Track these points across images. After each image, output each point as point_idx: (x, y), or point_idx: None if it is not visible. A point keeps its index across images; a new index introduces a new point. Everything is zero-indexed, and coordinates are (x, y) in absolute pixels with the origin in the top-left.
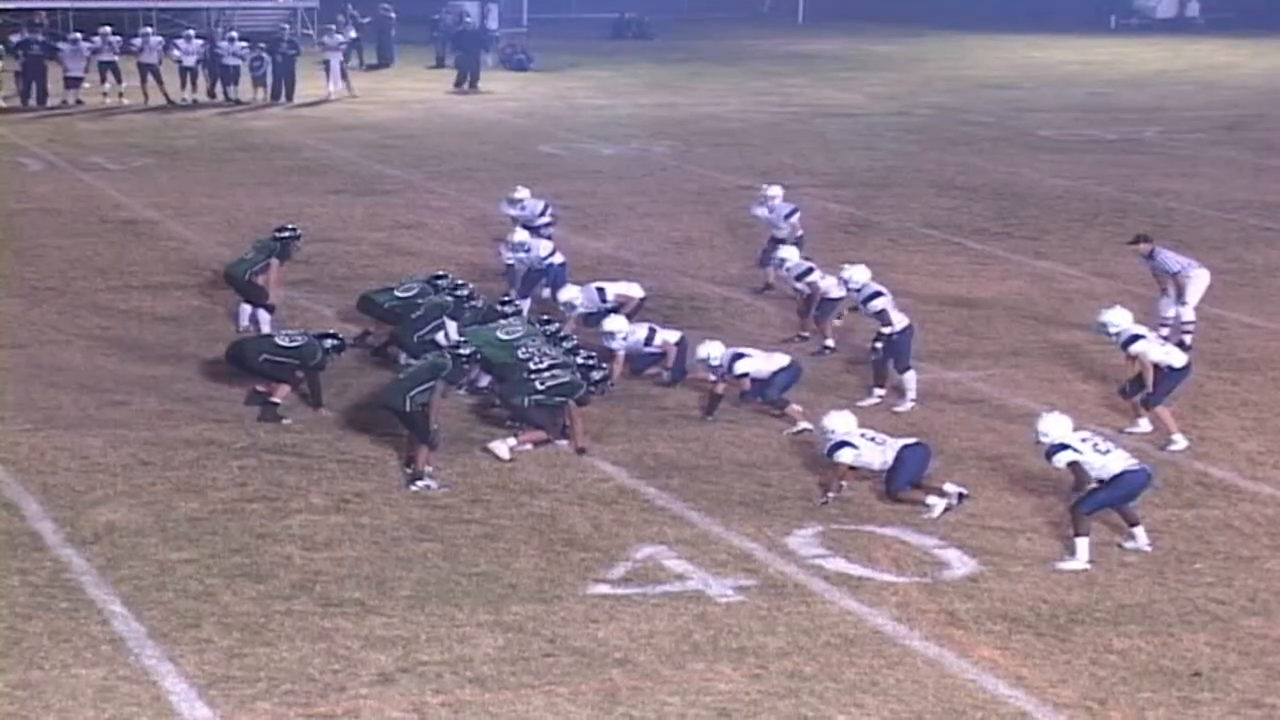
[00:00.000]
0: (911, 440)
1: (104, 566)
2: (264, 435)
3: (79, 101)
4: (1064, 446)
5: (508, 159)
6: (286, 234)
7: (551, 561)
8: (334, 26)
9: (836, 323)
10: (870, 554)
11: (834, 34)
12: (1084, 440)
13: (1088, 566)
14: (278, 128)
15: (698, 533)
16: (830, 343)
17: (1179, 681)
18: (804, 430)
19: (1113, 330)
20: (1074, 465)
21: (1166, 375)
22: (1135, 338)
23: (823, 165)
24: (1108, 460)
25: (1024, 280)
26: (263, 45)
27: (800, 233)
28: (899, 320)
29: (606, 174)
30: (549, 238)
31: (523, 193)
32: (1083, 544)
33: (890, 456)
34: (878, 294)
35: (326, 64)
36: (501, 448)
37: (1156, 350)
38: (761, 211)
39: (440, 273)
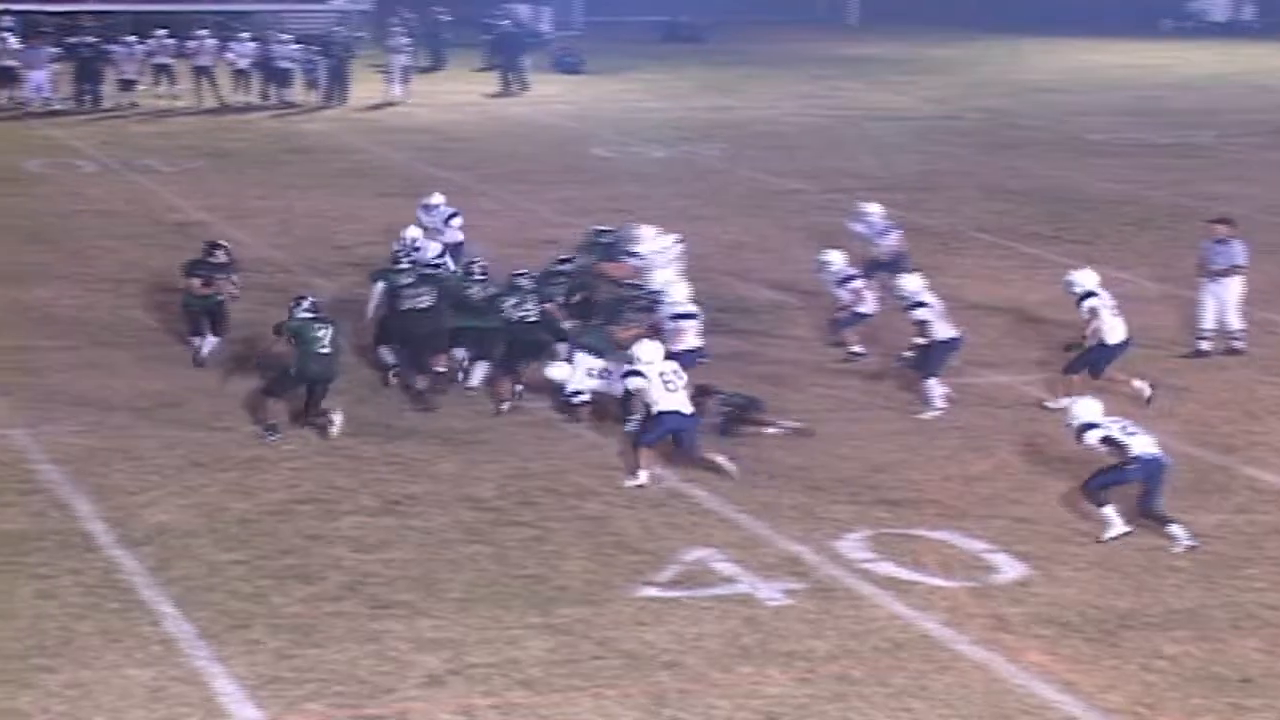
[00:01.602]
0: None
1: (155, 567)
2: (315, 437)
3: (133, 104)
4: (1093, 425)
5: (559, 161)
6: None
7: (601, 564)
8: (398, 30)
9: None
10: (919, 558)
11: (886, 37)
12: (1113, 422)
13: (1128, 529)
14: (330, 130)
15: (747, 536)
16: (858, 349)
17: (1229, 687)
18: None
19: (1076, 289)
20: (1107, 440)
21: (1098, 348)
22: (1090, 294)
23: (874, 168)
24: (1132, 442)
25: None
26: (316, 48)
27: (900, 249)
28: (944, 331)
29: (657, 177)
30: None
31: (437, 199)
32: (1108, 512)
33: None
34: (921, 304)
35: (389, 67)
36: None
37: (1106, 316)
38: (859, 228)
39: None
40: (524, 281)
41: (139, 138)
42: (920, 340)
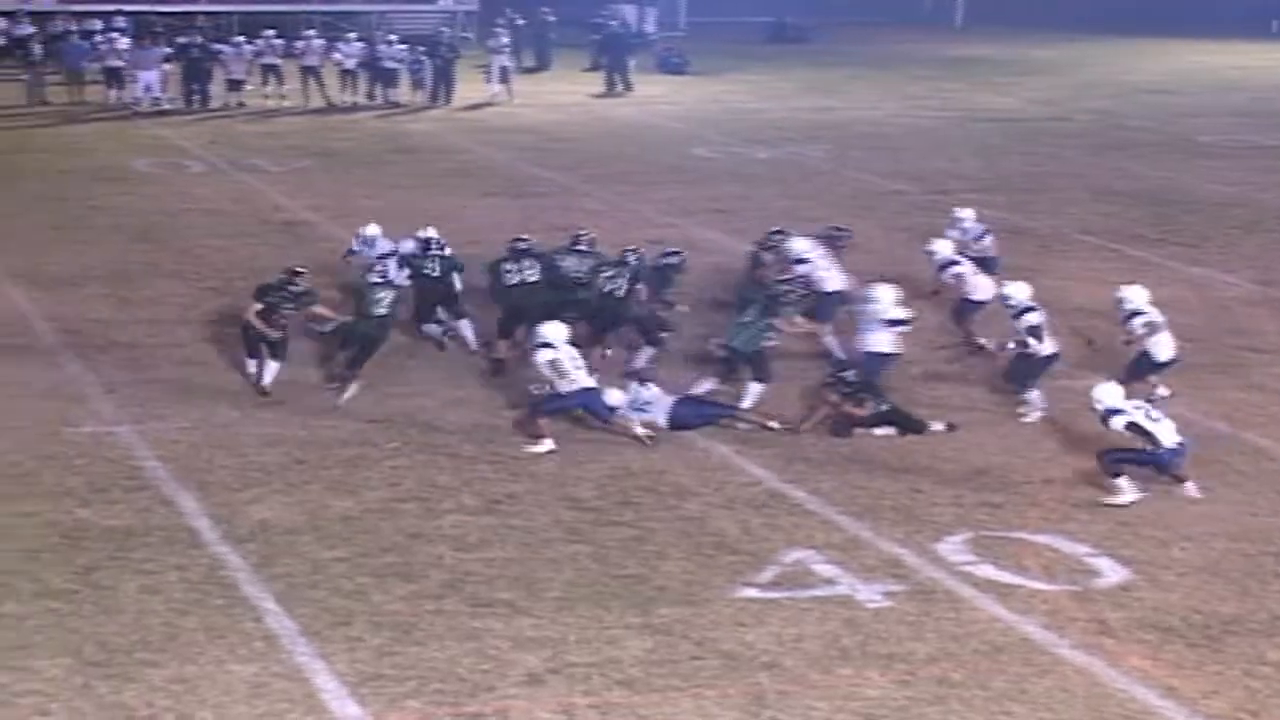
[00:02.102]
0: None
1: (258, 564)
2: (416, 435)
3: (240, 104)
4: (1118, 410)
5: (662, 161)
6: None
7: (700, 564)
8: (500, 30)
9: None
10: (1020, 561)
11: (992, 38)
12: (1136, 408)
13: (1137, 495)
14: (435, 130)
15: (847, 537)
16: (984, 341)
17: None
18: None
19: (1126, 305)
20: (1132, 426)
21: (1146, 361)
22: (1030, 309)
23: (978, 170)
24: (1157, 429)
25: (1180, 287)
26: (422, 48)
27: (993, 255)
28: (1047, 345)
29: (760, 177)
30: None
31: (373, 230)
32: (1121, 482)
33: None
34: (1031, 309)
35: (489, 67)
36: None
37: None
38: (954, 234)
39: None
40: (626, 257)
41: (246, 137)
42: (1031, 344)
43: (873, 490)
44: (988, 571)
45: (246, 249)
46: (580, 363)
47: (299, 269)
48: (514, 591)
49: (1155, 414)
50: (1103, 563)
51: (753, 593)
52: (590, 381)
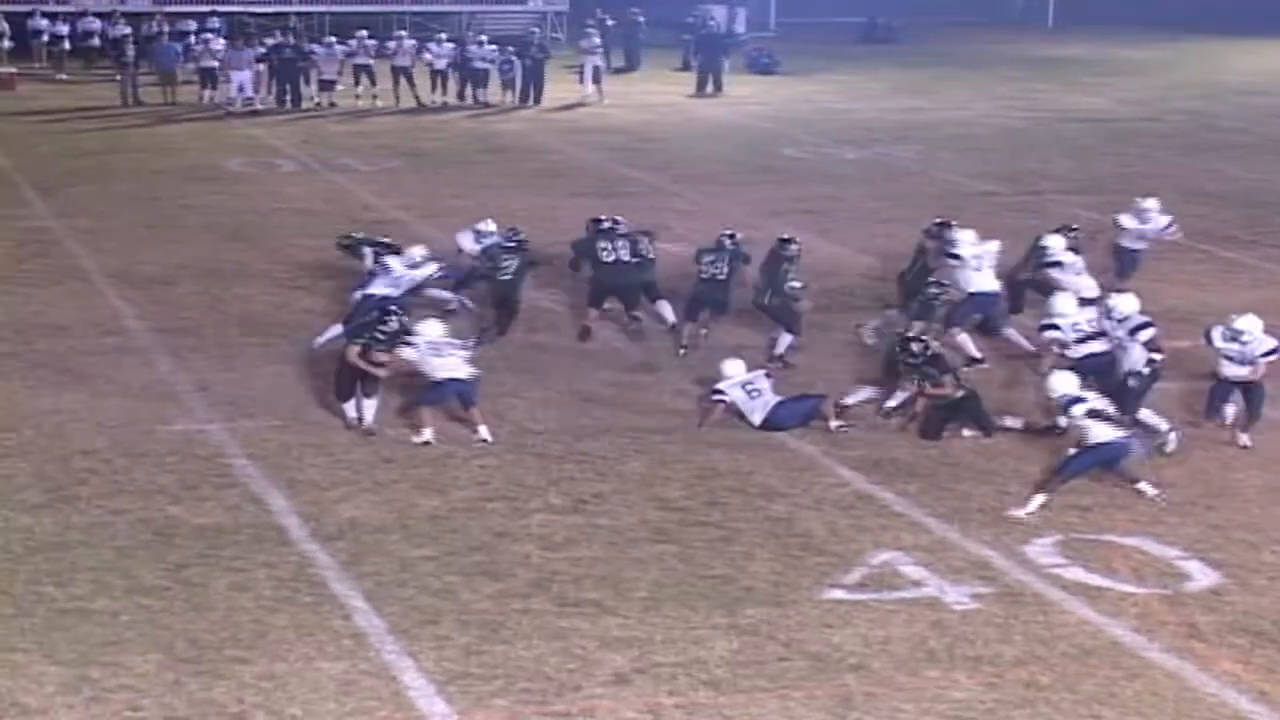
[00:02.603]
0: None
1: (347, 562)
2: (504, 435)
3: (332, 104)
4: (1078, 399)
5: (751, 162)
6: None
7: (787, 565)
8: (592, 30)
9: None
10: (1110, 564)
11: (1084, 38)
12: (1098, 396)
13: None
14: (525, 130)
15: (935, 539)
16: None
17: None
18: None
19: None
20: (1094, 413)
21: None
22: (1146, 324)
23: (1069, 171)
24: (1101, 427)
25: (1274, 289)
26: (512, 49)
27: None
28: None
29: (850, 178)
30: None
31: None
32: (1037, 500)
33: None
34: (1147, 324)
35: (582, 67)
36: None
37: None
38: (1130, 223)
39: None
40: (726, 243)
41: (337, 137)
42: (1157, 357)
43: (960, 492)
44: (1077, 574)
45: (337, 249)
46: (458, 352)
47: (393, 310)
48: (601, 591)
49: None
50: (1193, 566)
51: (840, 594)
52: (466, 371)
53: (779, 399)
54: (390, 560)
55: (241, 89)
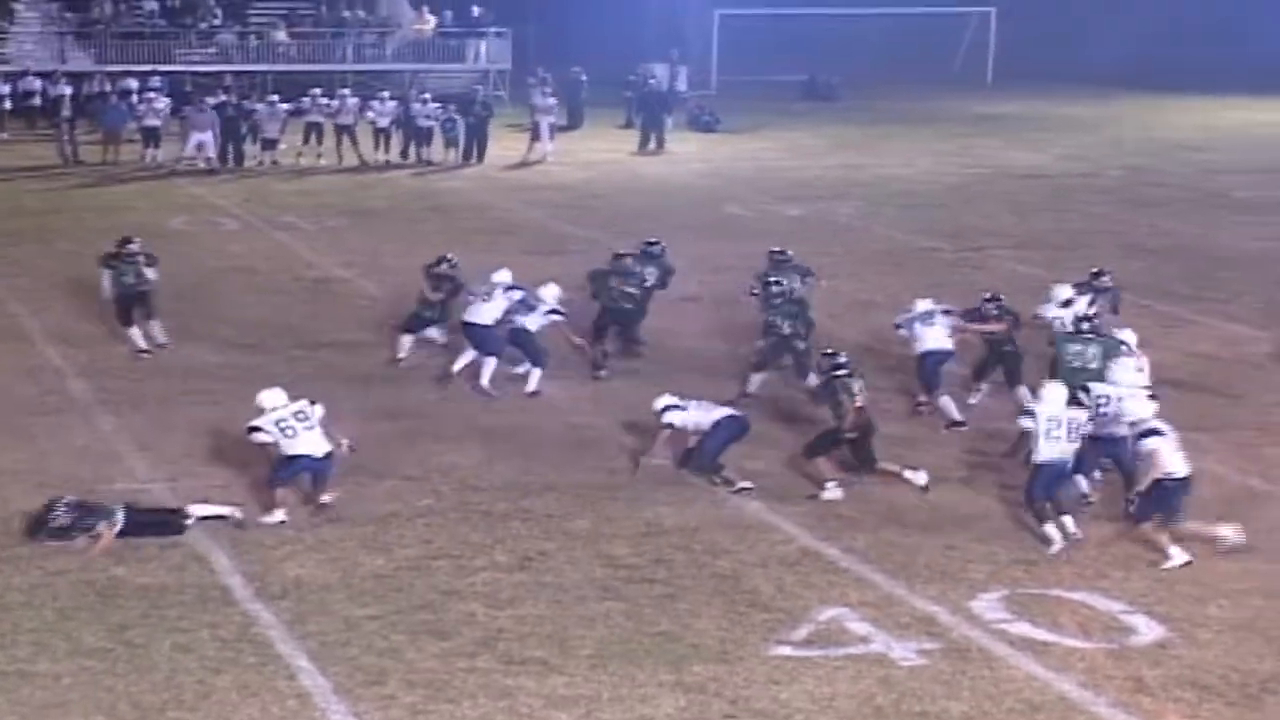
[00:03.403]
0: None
1: (291, 621)
2: (449, 492)
3: (275, 162)
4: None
5: (695, 219)
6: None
7: (734, 622)
8: (547, 90)
9: None
10: (1056, 618)
11: (1022, 95)
12: (1049, 419)
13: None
14: (468, 188)
15: (881, 595)
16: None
17: None
18: (743, 489)
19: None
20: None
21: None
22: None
23: (1011, 227)
24: (1045, 447)
25: (1214, 343)
26: (455, 107)
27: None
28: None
29: (793, 234)
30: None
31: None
32: (1049, 529)
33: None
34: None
35: (537, 125)
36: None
37: None
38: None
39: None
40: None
41: (280, 196)
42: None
43: (906, 547)
44: (1023, 629)
45: (279, 305)
46: (310, 424)
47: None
48: (547, 649)
49: (1057, 432)
50: (1139, 620)
51: (786, 651)
52: (321, 447)
53: (725, 415)
54: (335, 619)
55: (201, 147)
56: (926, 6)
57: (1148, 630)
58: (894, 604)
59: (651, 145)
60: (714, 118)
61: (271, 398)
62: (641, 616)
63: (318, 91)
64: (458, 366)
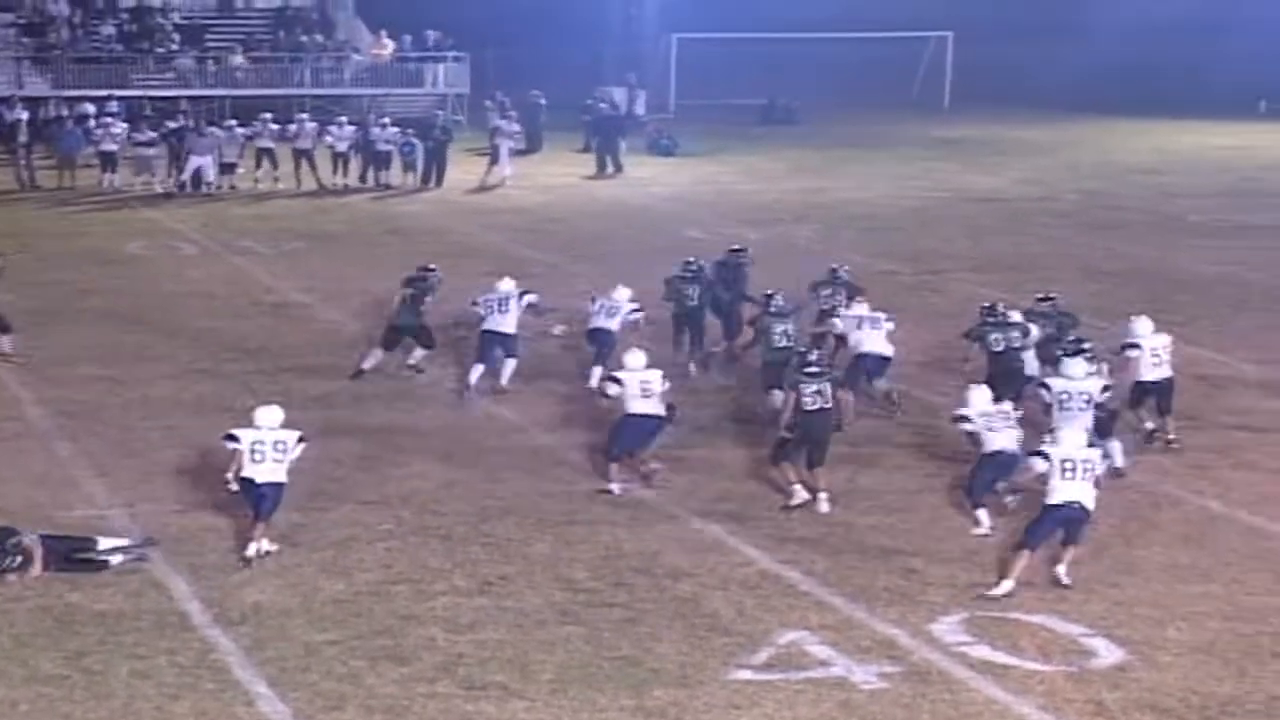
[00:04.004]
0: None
1: (250, 647)
2: (409, 517)
3: (233, 187)
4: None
5: (654, 243)
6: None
7: (694, 646)
8: (511, 114)
9: None
10: (1016, 641)
11: (980, 119)
12: (983, 416)
13: (988, 531)
14: (427, 212)
15: (841, 618)
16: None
17: None
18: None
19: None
20: (970, 435)
21: None
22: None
23: (969, 250)
24: (995, 438)
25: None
26: (413, 131)
27: None
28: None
29: (752, 258)
30: None
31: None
32: (981, 514)
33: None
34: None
35: (497, 148)
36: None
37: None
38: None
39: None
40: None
41: (238, 220)
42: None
43: (866, 571)
44: (983, 652)
45: (238, 330)
46: (280, 458)
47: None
48: (507, 674)
49: (999, 425)
50: (1098, 643)
51: (747, 674)
52: (277, 476)
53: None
54: (294, 645)
55: (200, 171)
56: (884, 30)
57: (1107, 653)
58: (854, 627)
59: (609, 169)
60: (672, 141)
61: (266, 416)
62: (602, 641)
63: (269, 116)
64: (473, 379)
